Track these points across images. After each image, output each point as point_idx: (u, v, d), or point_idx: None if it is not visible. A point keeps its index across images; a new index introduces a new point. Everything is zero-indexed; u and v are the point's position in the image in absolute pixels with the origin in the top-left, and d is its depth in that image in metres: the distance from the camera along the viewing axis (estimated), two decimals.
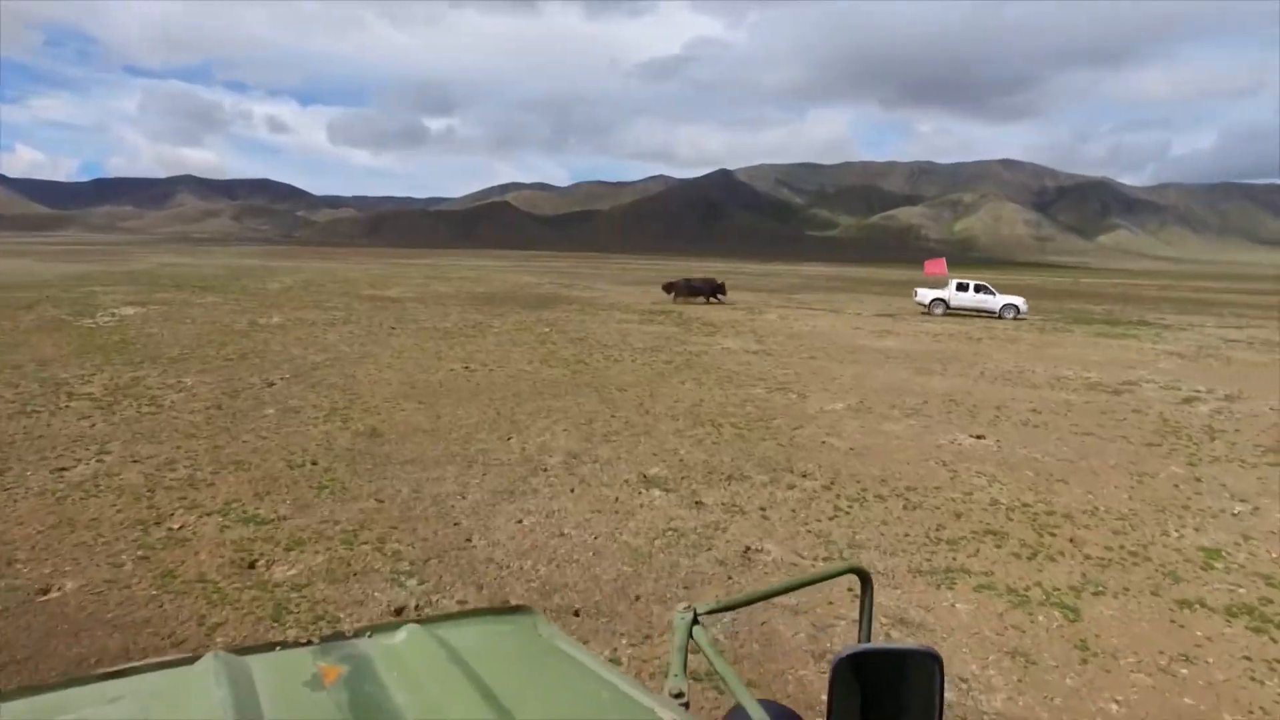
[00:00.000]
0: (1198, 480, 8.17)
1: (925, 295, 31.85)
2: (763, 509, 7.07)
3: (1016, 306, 30.30)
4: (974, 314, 30.27)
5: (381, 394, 11.72)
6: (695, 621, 1.31)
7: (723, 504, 7.19)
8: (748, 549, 6.16)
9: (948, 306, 30.97)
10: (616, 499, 7.31)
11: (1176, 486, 7.94)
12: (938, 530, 6.58)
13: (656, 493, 7.49)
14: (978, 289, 31.10)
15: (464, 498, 7.22)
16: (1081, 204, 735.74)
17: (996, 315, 30.01)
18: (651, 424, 10.22)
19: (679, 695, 1.22)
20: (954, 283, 31.73)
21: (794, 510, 7.06)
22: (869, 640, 1.41)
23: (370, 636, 1.39)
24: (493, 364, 14.66)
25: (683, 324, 23.50)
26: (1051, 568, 5.90)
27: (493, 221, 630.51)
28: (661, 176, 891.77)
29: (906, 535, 6.48)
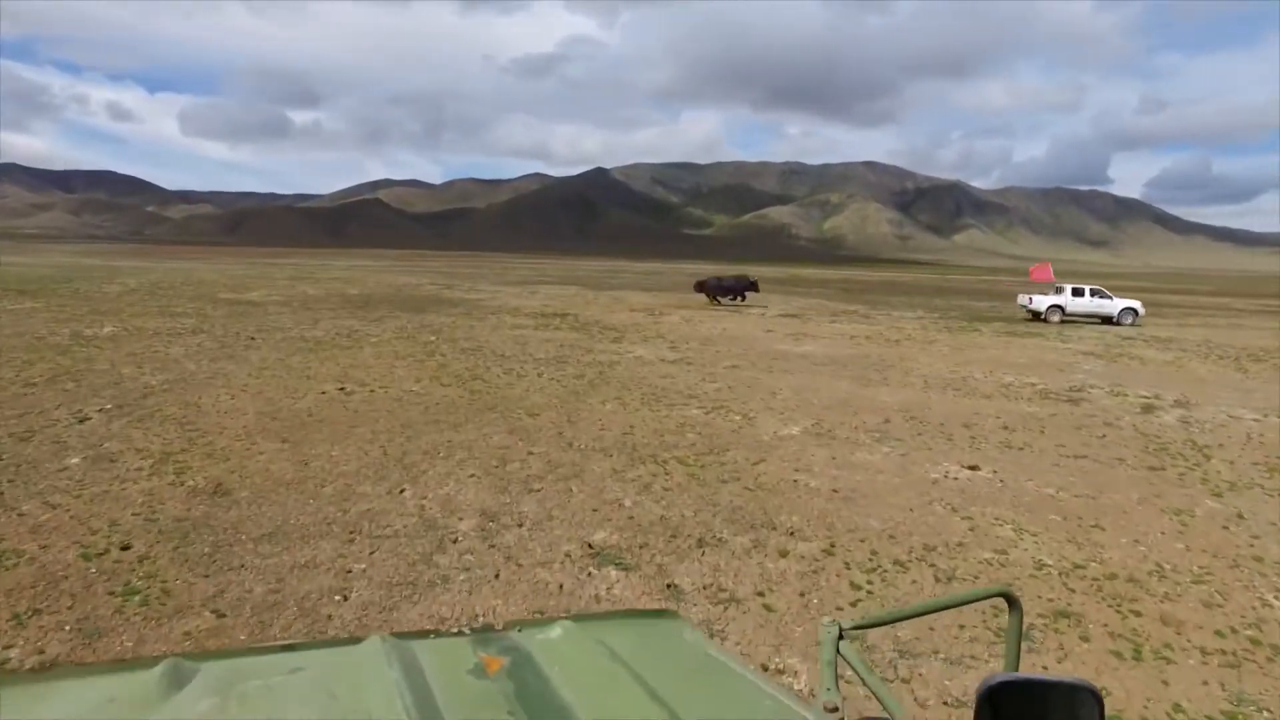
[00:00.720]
0: (1240, 518, 6.95)
1: (1041, 302, 29.91)
2: (761, 594, 5.25)
3: (1135, 310, 29.12)
4: (1087, 320, 29.28)
5: (233, 429, 9.21)
6: (841, 637, 1.28)
7: (705, 588, 5.33)
8: (764, 669, 4.32)
9: (1064, 313, 29.51)
10: (561, 587, 5.32)
11: (1225, 528, 6.67)
12: (997, 617, 4.94)
13: (612, 572, 5.55)
14: (1094, 293, 29.75)
15: (345, 599, 5.05)
16: (938, 205, 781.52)
17: (1114, 321, 28.85)
18: (580, 462, 8.24)
19: (833, 709, 1.17)
20: (1069, 288, 30.22)
21: (802, 594, 5.27)
22: (1016, 669, 1.27)
23: (521, 631, 1.41)
24: (374, 383, 12.27)
25: (582, 329, 21.53)
26: (1175, 676, 4.35)
27: (364, 219, 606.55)
28: (538, 174, 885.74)
29: (960, 628, 4.81)
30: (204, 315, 21.79)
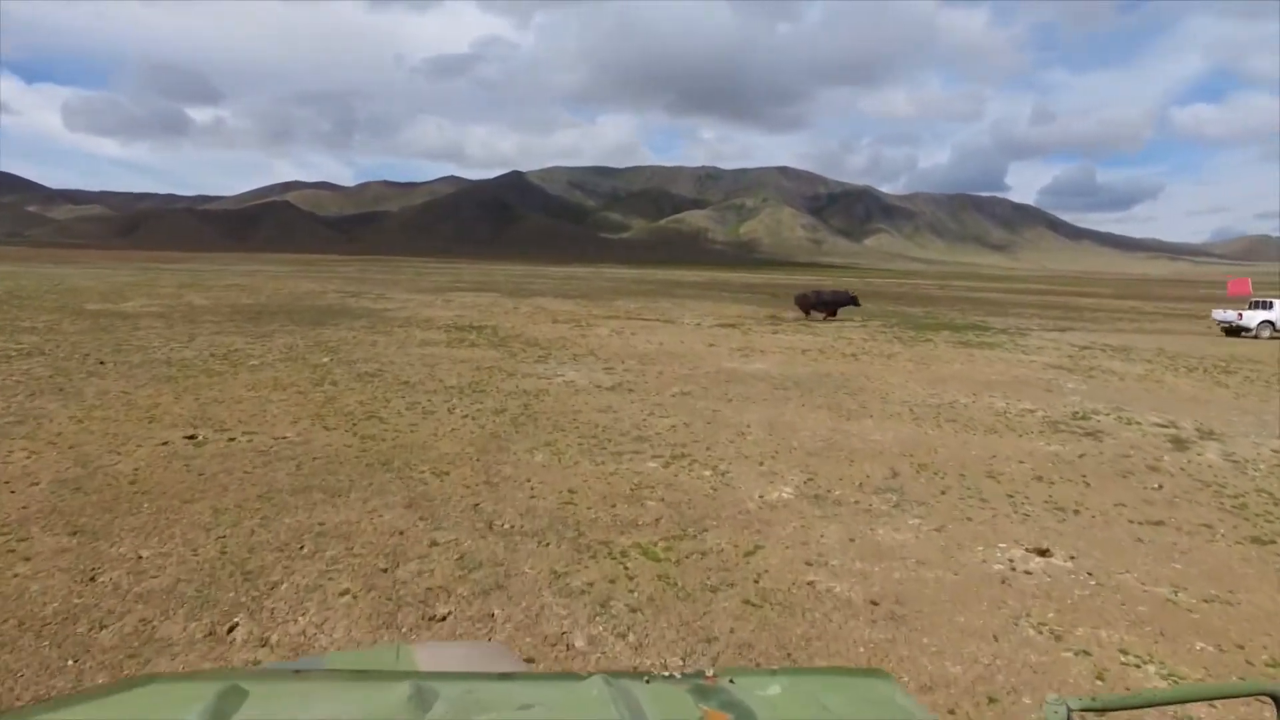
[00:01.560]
0: None
1: (1251, 318, 28.42)
2: None
3: None
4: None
5: (7, 509, 6.45)
6: (1068, 718, 1.21)
7: None
8: None
9: (1275, 328, 28.02)
10: None
11: None
12: None
13: None
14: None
15: None
16: (849, 209, 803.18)
17: None
18: (505, 558, 5.79)
19: None
20: (1277, 302, 28.60)
21: None
22: None
23: (734, 682, 1.40)
24: (238, 426, 9.51)
25: (502, 345, 18.94)
26: None
27: (272, 222, 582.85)
28: (453, 177, 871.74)
29: None
30: (55, 331, 18.33)
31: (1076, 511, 7.08)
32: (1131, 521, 6.86)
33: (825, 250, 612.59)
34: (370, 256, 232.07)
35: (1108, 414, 11.74)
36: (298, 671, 1.42)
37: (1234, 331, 29.03)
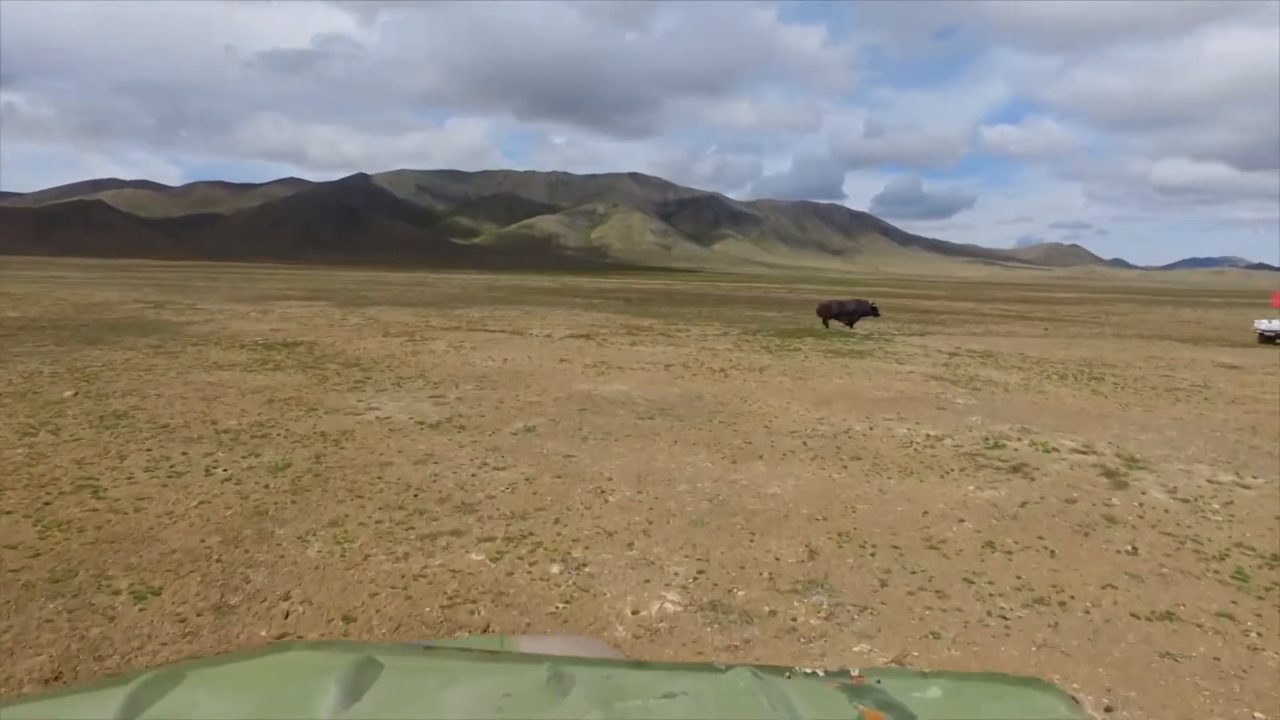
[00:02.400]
0: None
1: None
2: None
3: None
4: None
5: None
6: None
7: None
8: None
9: None
10: None
11: None
12: None
13: None
14: None
15: None
16: (698, 215, 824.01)
17: None
18: None
19: None
20: None
21: None
22: None
23: (881, 682, 1.30)
24: None
25: (314, 366, 15.74)
26: None
27: (81, 223, 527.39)
28: (294, 179, 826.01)
29: None
30: None
31: (1064, 605, 5.16)
32: (1137, 616, 5.02)
33: (675, 255, 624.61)
34: (201, 262, 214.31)
35: (1019, 438, 10.26)
36: (429, 648, 1.40)
37: (1271, 339, 30.14)
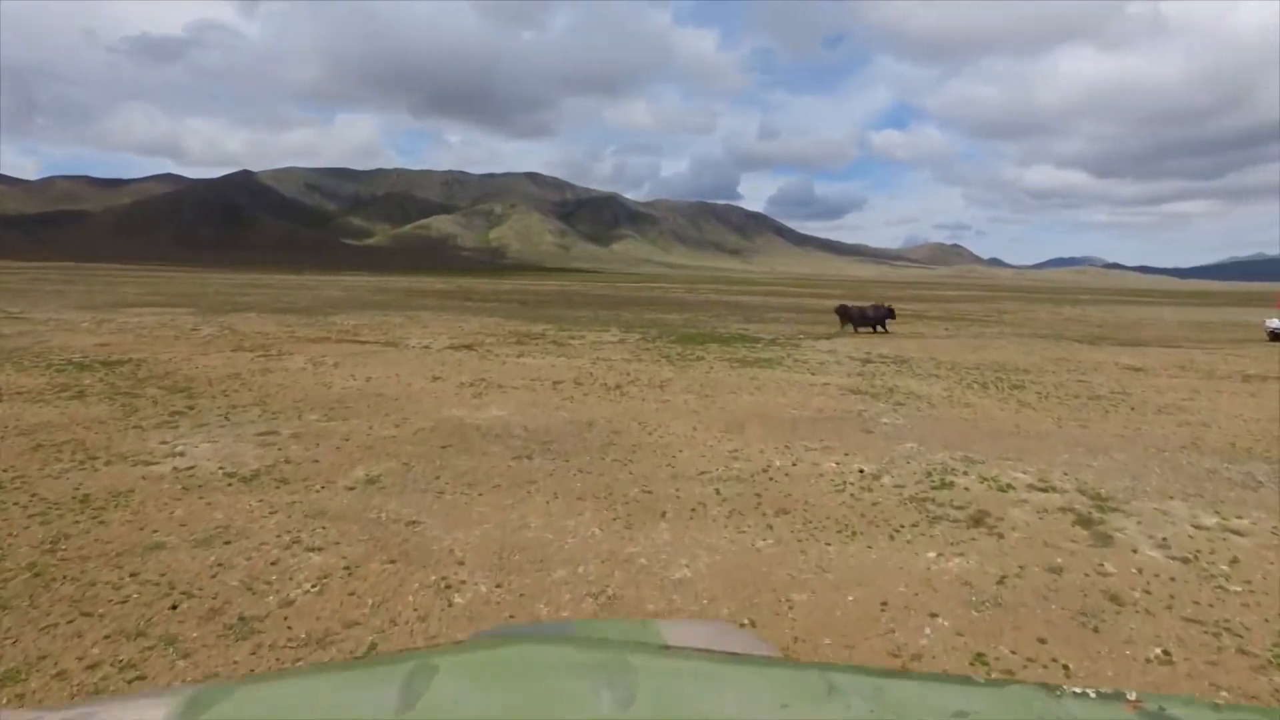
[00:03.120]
0: None
1: None
2: None
3: None
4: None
5: None
6: None
7: None
8: None
9: None
10: None
11: None
12: None
13: None
14: None
15: None
16: (597, 215, 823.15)
17: None
18: None
19: None
20: None
21: None
22: None
23: (1162, 709, 1.10)
24: None
25: (129, 391, 12.97)
26: None
27: None
28: (171, 175, 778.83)
29: None
30: None
31: None
32: None
33: (574, 256, 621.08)
34: (60, 263, 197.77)
35: (964, 472, 8.73)
36: (666, 648, 1.36)
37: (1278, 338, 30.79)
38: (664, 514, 7.08)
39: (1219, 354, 24.95)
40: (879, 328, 30.02)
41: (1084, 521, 7.05)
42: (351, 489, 7.71)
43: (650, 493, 7.74)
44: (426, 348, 20.82)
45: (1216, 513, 7.46)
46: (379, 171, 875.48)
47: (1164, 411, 13.46)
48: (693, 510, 7.18)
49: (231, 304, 40.02)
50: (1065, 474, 8.76)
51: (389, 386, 14.20)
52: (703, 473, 8.55)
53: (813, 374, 16.89)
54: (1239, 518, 7.33)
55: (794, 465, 8.90)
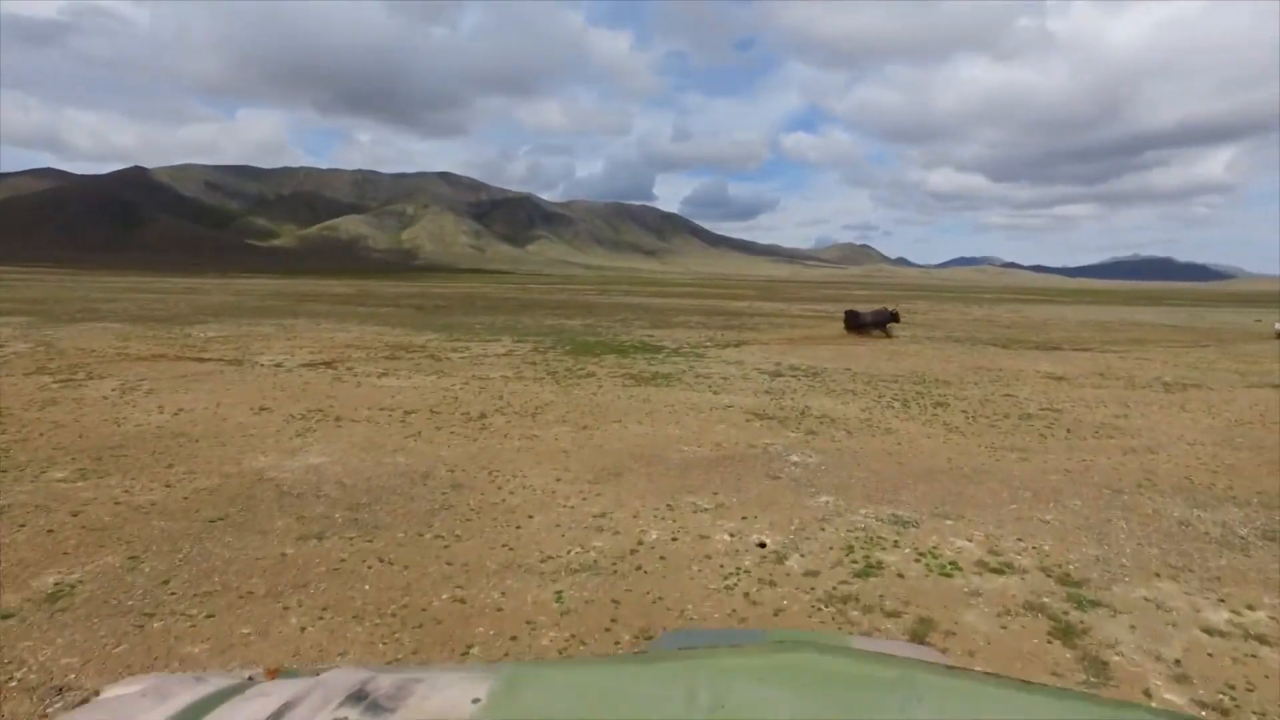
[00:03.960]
0: None
1: None
2: None
3: None
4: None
5: None
6: None
7: None
8: None
9: None
10: None
11: None
12: None
13: None
14: None
15: None
16: (512, 216, 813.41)
17: None
18: None
19: None
20: None
21: None
22: None
23: None
24: None
25: None
26: None
27: None
28: (53, 170, 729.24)
29: None
30: None
31: None
32: None
33: (489, 257, 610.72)
34: None
35: (895, 542, 6.71)
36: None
37: None
38: (470, 648, 4.77)
39: (1130, 358, 24.24)
40: (876, 330, 30.66)
41: (1062, 631, 5.09)
42: (7, 618, 5.13)
43: (463, 602, 5.41)
44: (278, 366, 17.92)
45: (1220, 600, 5.65)
46: (285, 170, 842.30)
47: (1103, 433, 11.93)
48: (513, 638, 4.89)
49: (88, 312, 35.64)
50: (1020, 540, 6.86)
51: (198, 422, 11.45)
52: (549, 558, 6.27)
53: (715, 392, 14.84)
54: (1249, 608, 5.52)
55: (674, 540, 6.72)
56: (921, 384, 16.83)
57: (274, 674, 1.25)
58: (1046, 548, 6.68)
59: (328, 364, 18.34)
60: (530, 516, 7.37)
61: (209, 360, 18.66)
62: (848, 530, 7.00)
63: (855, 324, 30.98)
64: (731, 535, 6.83)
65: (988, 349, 26.01)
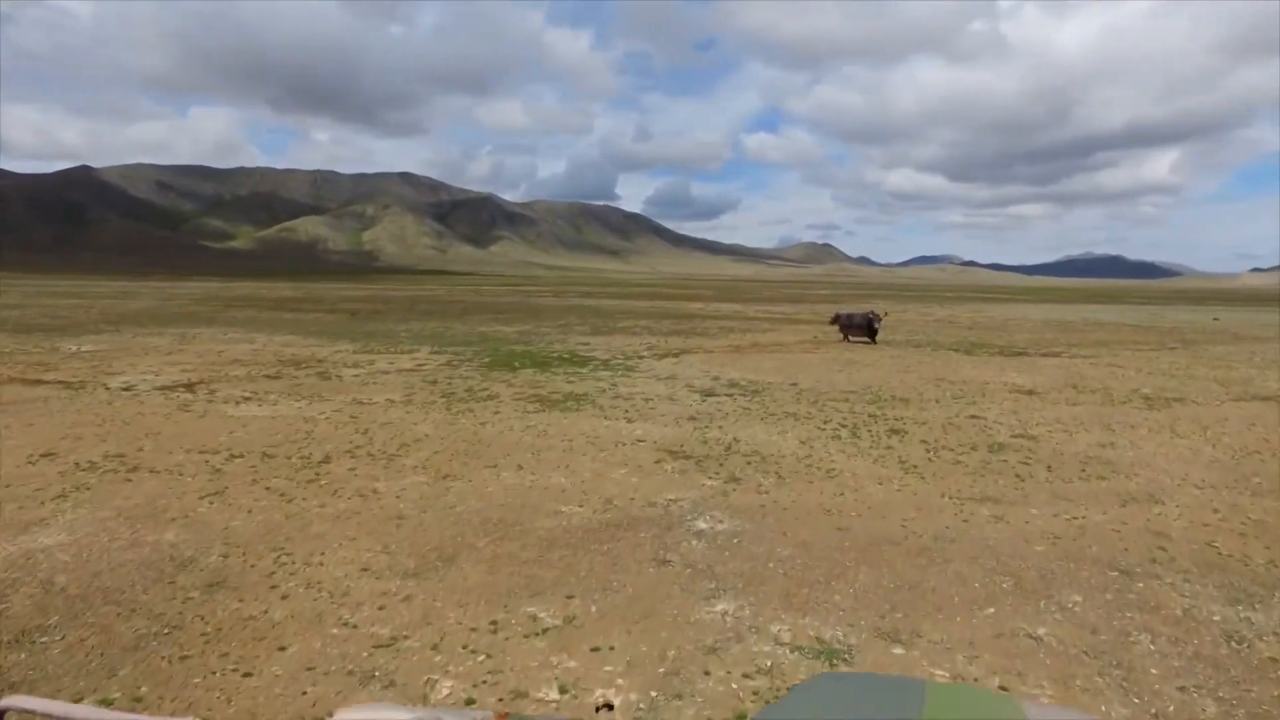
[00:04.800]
0: None
1: None
2: None
3: None
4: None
5: None
6: None
7: None
8: None
9: None
10: None
11: None
12: None
13: None
14: None
15: None
16: (474, 217, 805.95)
17: None
18: None
19: None
20: None
21: None
22: None
23: None
24: None
25: None
26: None
27: None
28: None
29: None
30: None
31: None
32: None
33: (451, 258, 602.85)
34: None
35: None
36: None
37: None
38: None
39: (1101, 365, 22.38)
40: (852, 336, 27.92)
41: None
42: None
43: None
44: (126, 390, 15.16)
45: None
46: (241, 170, 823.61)
47: (1090, 471, 9.77)
48: None
49: (19, 324, 32.21)
50: (1002, 685, 4.56)
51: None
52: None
53: (630, 420, 12.44)
54: None
55: (470, 704, 4.30)
56: (876, 403, 14.63)
57: (504, 717, 1.26)
58: (1046, 698, 4.39)
59: (188, 386, 15.61)
60: (282, 648, 4.90)
61: (46, 383, 15.82)
62: (745, 674, 4.62)
63: (848, 326, 28.25)
64: (564, 690, 4.42)
65: (950, 355, 23.99)
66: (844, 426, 12.26)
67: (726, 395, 15.10)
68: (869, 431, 11.89)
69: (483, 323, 35.86)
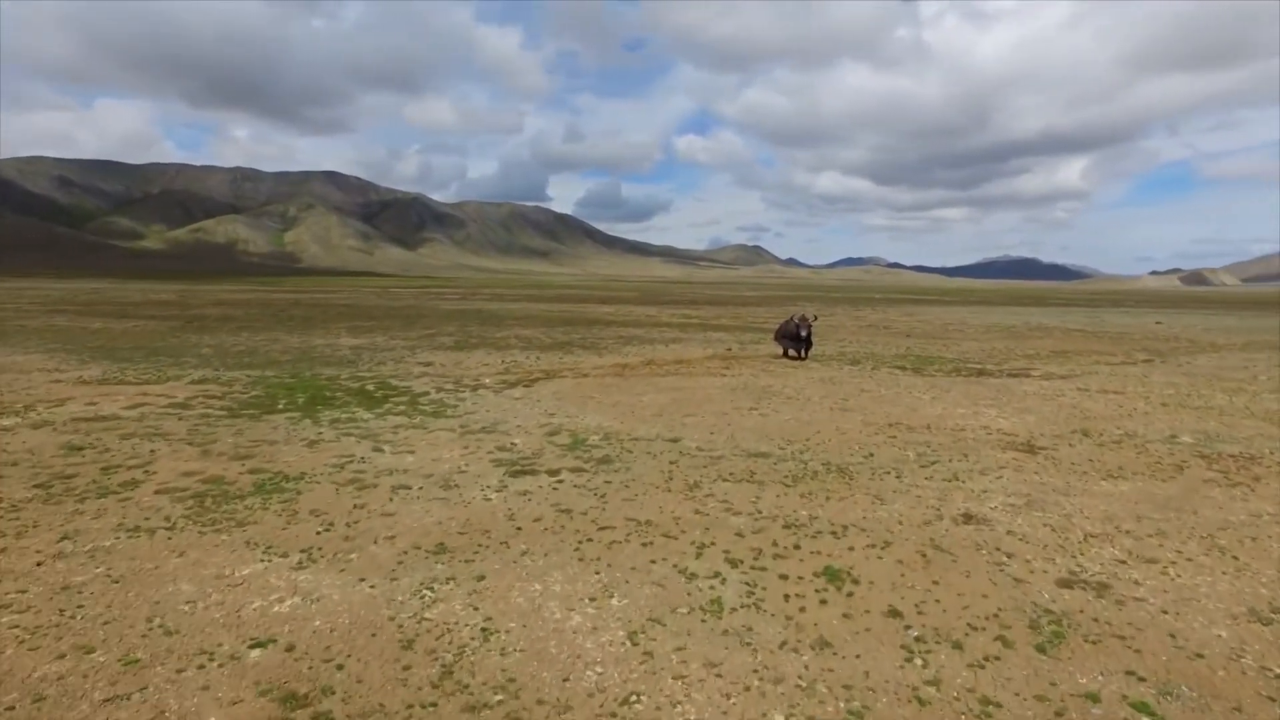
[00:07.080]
0: None
1: None
2: None
3: None
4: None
5: None
6: None
7: None
8: None
9: None
10: None
11: None
12: None
13: None
14: None
15: None
16: (402, 217, 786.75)
17: None
18: None
19: None
20: None
21: None
22: None
23: None
24: None
25: None
26: None
27: None
28: None
29: None
30: None
31: None
32: None
33: (379, 260, 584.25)
34: None
35: None
36: None
37: None
38: None
39: (1091, 390, 17.20)
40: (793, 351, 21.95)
41: None
42: None
43: None
44: None
45: None
46: (154, 166, 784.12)
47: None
48: None
49: None
50: None
51: None
52: None
53: (300, 565, 6.19)
54: None
55: None
56: (797, 480, 8.74)
57: None
58: None
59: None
60: None
61: None
62: None
63: (780, 338, 22.53)
64: None
65: (898, 376, 18.44)
66: (737, 561, 6.28)
67: (549, 474, 8.95)
68: (780, 592, 5.90)
69: (331, 334, 29.01)
